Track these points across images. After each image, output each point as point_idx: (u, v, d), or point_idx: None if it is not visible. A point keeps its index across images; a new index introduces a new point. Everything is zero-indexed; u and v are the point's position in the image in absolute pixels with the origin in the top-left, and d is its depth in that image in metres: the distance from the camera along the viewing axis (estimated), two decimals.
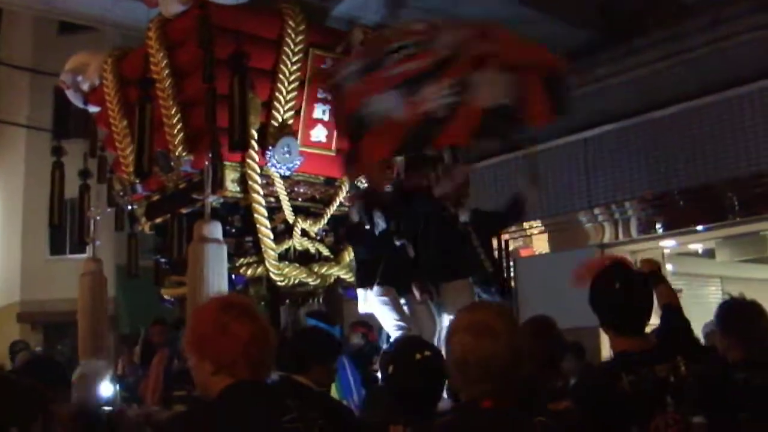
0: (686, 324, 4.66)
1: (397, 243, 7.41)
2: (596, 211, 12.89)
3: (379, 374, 6.12)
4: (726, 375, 4.50)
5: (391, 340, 7.16)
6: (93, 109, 9.28)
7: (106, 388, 10.15)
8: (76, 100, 9.32)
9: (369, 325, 9.03)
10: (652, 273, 4.60)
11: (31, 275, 24.73)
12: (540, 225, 13.52)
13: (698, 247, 13.52)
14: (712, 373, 4.37)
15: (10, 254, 26.08)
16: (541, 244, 13.72)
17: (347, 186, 8.31)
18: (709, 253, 13.56)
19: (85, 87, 9.10)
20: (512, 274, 13.17)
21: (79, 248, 22.57)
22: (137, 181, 8.41)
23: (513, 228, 12.71)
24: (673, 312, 4.63)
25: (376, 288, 7.30)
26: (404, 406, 4.10)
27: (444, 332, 7.62)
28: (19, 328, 24.22)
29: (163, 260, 8.61)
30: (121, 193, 8.77)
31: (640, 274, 4.24)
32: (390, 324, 7.37)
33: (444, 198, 7.55)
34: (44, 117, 23.80)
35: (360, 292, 7.51)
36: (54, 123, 23.59)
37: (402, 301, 7.47)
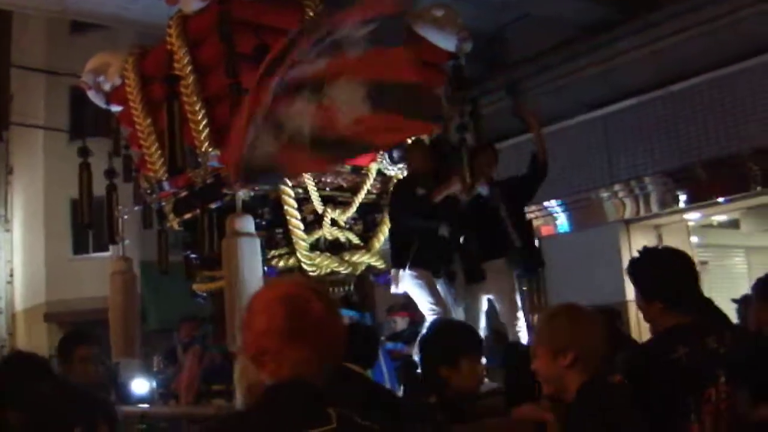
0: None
1: (434, 226, 7.45)
2: (618, 186, 12.89)
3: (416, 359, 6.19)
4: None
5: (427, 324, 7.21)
6: (115, 108, 9.30)
7: (142, 385, 10.24)
8: (98, 101, 9.33)
9: (411, 308, 9.03)
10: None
11: (56, 275, 24.89)
12: (562, 203, 13.53)
13: (723, 218, 13.49)
14: (758, 344, 4.40)
15: (33, 255, 26.26)
16: (564, 222, 13.73)
17: (374, 174, 8.32)
18: (734, 224, 13.53)
19: (107, 87, 9.11)
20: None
21: (101, 247, 22.79)
22: (165, 178, 8.45)
23: (536, 207, 12.74)
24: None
25: (409, 269, 7.34)
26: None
27: (481, 314, 7.71)
28: (46, 328, 24.42)
29: (193, 256, 8.64)
30: (149, 191, 8.81)
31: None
32: (425, 306, 7.41)
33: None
34: (60, 118, 23.96)
35: (393, 272, 7.55)
36: (71, 123, 23.69)
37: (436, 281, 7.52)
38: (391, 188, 8.14)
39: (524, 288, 9.84)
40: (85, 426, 3.07)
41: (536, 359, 3.51)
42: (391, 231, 7.97)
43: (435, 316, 7.24)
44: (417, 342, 6.37)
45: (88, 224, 9.43)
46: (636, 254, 4.01)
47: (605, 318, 4.74)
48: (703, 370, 3.55)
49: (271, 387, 2.48)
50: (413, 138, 8.09)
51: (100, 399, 3.52)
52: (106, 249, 21.99)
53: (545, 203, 13.31)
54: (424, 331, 6.48)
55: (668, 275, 3.80)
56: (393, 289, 7.69)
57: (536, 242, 11.32)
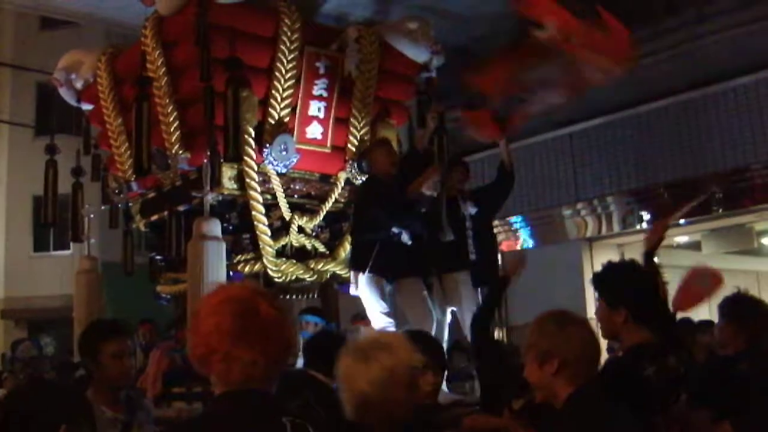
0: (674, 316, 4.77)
1: (395, 230, 7.36)
2: (582, 204, 13.02)
3: None
4: (729, 366, 4.62)
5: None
6: (86, 106, 9.29)
7: None
8: (69, 98, 9.33)
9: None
10: (648, 254, 4.69)
11: (15, 272, 24.67)
12: (526, 219, 13.64)
13: (684, 239, 13.66)
14: (716, 365, 4.49)
15: None
16: (526, 238, 13.84)
17: (342, 183, 8.36)
18: (695, 246, 13.68)
19: (79, 85, 9.11)
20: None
21: (62, 245, 22.62)
22: (133, 178, 8.44)
23: (500, 222, 12.82)
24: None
25: (366, 274, 7.32)
26: None
27: (444, 326, 7.69)
28: (3, 325, 24.20)
29: (158, 257, 8.62)
30: (117, 191, 8.79)
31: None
32: (375, 313, 7.38)
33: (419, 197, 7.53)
34: (26, 113, 23.74)
35: (353, 273, 7.55)
36: (36, 119, 23.52)
37: (388, 290, 7.48)
38: (359, 188, 8.13)
39: None
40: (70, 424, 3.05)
41: (526, 366, 3.44)
42: (353, 232, 7.92)
43: (383, 325, 7.22)
44: None
45: (52, 222, 9.39)
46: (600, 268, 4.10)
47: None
48: (668, 389, 3.62)
49: (223, 395, 2.46)
50: (377, 138, 8.17)
51: (76, 396, 3.49)
52: (67, 247, 21.87)
53: (510, 218, 13.41)
54: None
55: (634, 284, 3.89)
56: (352, 290, 7.66)
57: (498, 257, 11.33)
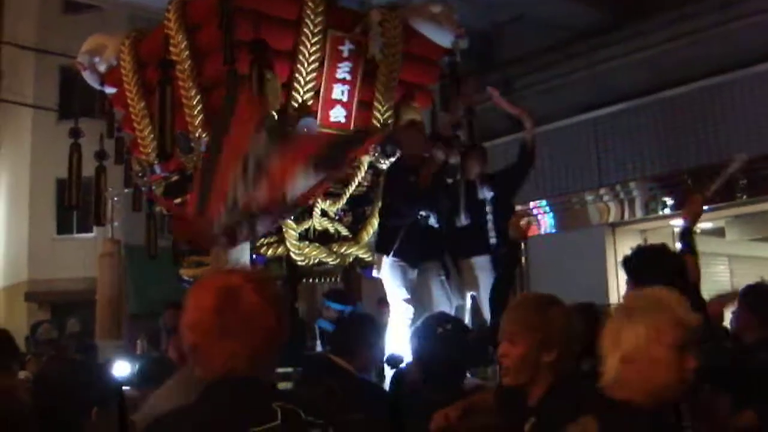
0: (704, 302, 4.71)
1: (422, 213, 7.34)
2: (606, 190, 12.97)
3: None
4: (750, 354, 4.60)
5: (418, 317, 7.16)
6: (109, 90, 9.31)
7: (123, 368, 10.23)
8: (92, 81, 9.35)
9: None
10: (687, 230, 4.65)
11: (39, 254, 24.77)
12: (549, 204, 13.60)
13: (708, 225, 13.58)
14: (737, 353, 4.46)
15: (17, 234, 26.15)
16: (550, 223, 13.80)
17: (365, 167, 8.34)
18: (719, 232, 13.62)
19: (102, 68, 9.13)
20: (523, 253, 13.25)
21: (85, 227, 22.75)
22: (156, 162, 8.46)
23: (522, 207, 12.78)
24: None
25: (390, 257, 7.31)
26: (431, 380, 4.18)
27: (464, 311, 7.68)
28: (27, 307, 24.33)
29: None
30: (140, 174, 8.82)
31: None
32: (395, 296, 7.38)
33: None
34: (50, 97, 23.85)
35: (377, 256, 7.53)
36: (60, 103, 23.61)
37: (412, 275, 7.47)
38: (385, 174, 8.11)
39: None
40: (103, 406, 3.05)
41: (511, 344, 3.26)
42: (380, 214, 7.90)
43: (402, 310, 7.22)
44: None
45: (76, 205, 9.43)
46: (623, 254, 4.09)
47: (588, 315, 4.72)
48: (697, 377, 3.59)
49: (213, 382, 2.39)
50: (409, 118, 8.14)
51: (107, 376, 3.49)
52: (90, 230, 21.99)
53: (532, 203, 13.38)
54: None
55: (663, 268, 3.86)
56: (374, 273, 7.65)
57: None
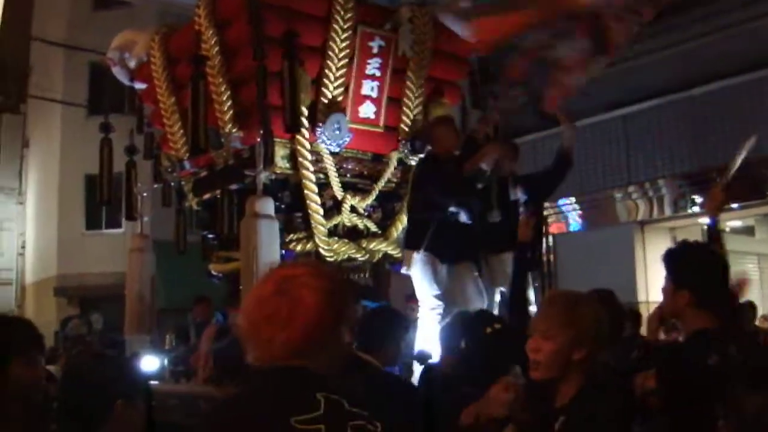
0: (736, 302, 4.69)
1: (452, 209, 7.35)
2: (635, 187, 12.91)
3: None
4: None
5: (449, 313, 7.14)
6: (139, 86, 9.35)
7: (151, 362, 10.27)
8: (122, 77, 9.40)
9: None
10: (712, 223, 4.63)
11: (68, 250, 24.98)
12: (577, 201, 13.55)
13: (737, 224, 13.50)
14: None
15: (46, 229, 26.38)
16: (578, 221, 13.76)
17: (395, 163, 8.34)
18: (749, 231, 13.54)
19: (132, 64, 9.17)
20: (551, 251, 13.23)
21: (114, 223, 22.91)
22: (185, 157, 8.50)
23: (550, 204, 12.75)
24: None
25: (421, 253, 7.30)
26: (473, 379, 4.16)
27: (494, 307, 7.67)
28: (56, 302, 24.54)
29: (211, 236, 8.68)
30: (170, 170, 8.86)
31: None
32: (425, 293, 7.37)
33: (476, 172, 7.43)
34: (79, 93, 24.04)
35: (406, 252, 7.54)
36: (89, 99, 23.78)
37: (442, 271, 7.46)
38: (416, 166, 8.10)
39: (536, 284, 9.81)
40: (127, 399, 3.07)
41: (544, 339, 3.31)
42: (409, 209, 7.91)
43: (432, 306, 7.22)
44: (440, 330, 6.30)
45: (107, 200, 9.48)
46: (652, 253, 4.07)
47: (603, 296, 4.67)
48: (729, 378, 3.57)
49: (258, 372, 2.42)
50: (438, 115, 8.13)
51: (134, 370, 3.52)
52: (118, 225, 22.16)
53: (560, 201, 13.34)
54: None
55: (702, 267, 3.83)
56: (403, 270, 7.65)
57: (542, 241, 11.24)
